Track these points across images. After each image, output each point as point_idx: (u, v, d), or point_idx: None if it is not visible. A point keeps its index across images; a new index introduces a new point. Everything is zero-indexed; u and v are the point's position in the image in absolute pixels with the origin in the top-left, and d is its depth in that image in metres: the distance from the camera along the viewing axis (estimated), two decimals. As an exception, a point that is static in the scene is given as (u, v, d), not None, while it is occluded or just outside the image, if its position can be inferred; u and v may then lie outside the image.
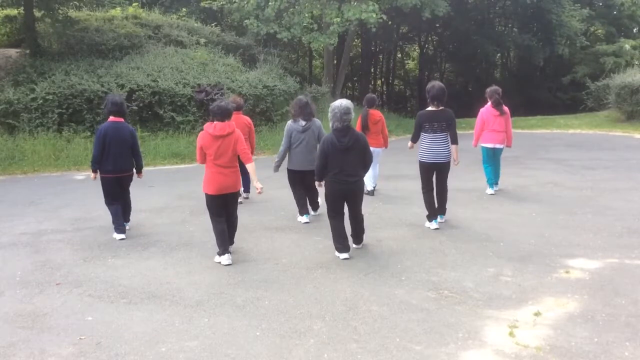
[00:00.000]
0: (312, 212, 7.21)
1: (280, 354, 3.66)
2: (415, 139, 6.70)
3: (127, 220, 6.72)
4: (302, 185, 6.99)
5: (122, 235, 6.32)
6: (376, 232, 6.44)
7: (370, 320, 4.12)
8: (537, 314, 4.16)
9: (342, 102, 5.54)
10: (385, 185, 8.61)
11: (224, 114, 5.39)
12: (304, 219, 6.96)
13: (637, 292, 4.55)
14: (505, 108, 8.07)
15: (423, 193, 6.60)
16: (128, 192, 6.73)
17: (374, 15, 16.44)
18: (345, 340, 3.82)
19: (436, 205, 6.55)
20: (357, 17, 16.60)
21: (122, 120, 6.40)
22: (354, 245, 5.82)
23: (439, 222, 6.52)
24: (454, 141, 6.45)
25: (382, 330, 3.95)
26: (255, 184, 5.55)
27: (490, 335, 3.87)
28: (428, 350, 3.66)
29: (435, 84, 6.59)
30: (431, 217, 6.52)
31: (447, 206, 6.73)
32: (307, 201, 7.09)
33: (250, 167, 5.59)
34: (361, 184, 5.69)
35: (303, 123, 6.87)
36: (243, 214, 7.29)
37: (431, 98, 6.47)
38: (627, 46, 23.34)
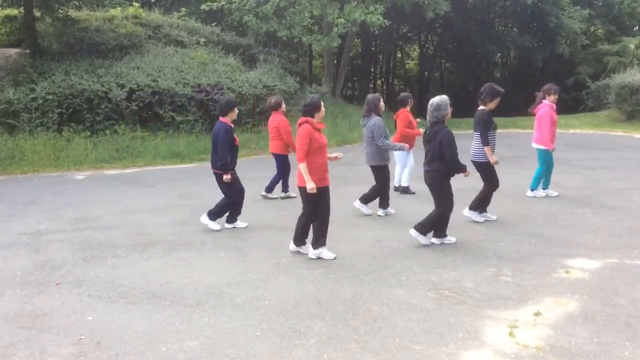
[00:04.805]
0: (379, 210, 7.23)
1: (280, 354, 3.66)
2: None
3: (230, 219, 6.75)
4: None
5: (205, 218, 6.61)
6: (376, 232, 6.45)
7: (370, 320, 4.12)
8: (537, 314, 4.16)
9: (435, 100, 5.82)
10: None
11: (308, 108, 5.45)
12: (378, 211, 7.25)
13: (637, 292, 4.55)
14: (538, 108, 8.11)
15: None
16: (224, 191, 6.58)
17: (380, 18, 16.47)
18: (345, 340, 3.82)
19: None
20: (362, 19, 16.62)
21: (220, 119, 6.47)
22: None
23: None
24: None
25: (382, 330, 3.95)
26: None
27: (490, 335, 3.87)
28: (428, 350, 3.66)
29: None
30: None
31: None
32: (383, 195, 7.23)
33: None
34: (431, 174, 5.79)
35: (362, 119, 7.25)
36: (244, 213, 7.30)
37: None
38: (632, 46, 23.03)
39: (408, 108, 8.25)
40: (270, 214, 7.40)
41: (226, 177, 6.36)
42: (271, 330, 3.99)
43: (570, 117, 20.27)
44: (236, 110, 6.55)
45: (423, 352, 3.65)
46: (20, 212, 7.76)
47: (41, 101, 12.44)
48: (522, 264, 5.25)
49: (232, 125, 6.51)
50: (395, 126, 8.27)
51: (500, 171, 9.98)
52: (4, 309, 4.45)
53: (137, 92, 13.23)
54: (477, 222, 6.74)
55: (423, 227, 5.83)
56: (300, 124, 5.36)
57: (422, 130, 7.77)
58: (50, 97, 12.53)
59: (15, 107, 12.36)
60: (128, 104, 13.06)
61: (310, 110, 5.40)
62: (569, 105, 24.63)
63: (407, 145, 7.39)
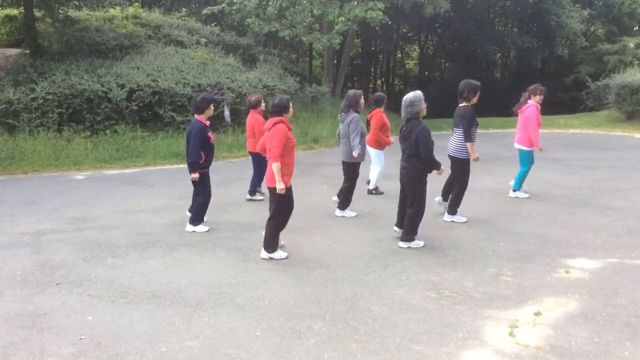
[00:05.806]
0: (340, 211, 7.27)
1: (280, 354, 3.66)
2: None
3: (193, 220, 6.69)
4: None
5: (190, 227, 6.63)
6: (376, 232, 6.45)
7: (370, 320, 4.13)
8: (537, 314, 4.17)
9: (408, 96, 5.75)
10: (385, 185, 8.61)
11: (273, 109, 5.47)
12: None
13: (637, 292, 4.55)
14: (523, 109, 7.89)
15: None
16: (199, 190, 6.55)
17: (381, 14, 16.46)
18: (345, 340, 3.83)
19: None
20: (362, 16, 16.62)
21: (196, 116, 6.44)
22: (395, 228, 6.08)
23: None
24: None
25: (382, 330, 3.96)
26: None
27: (490, 335, 3.87)
28: (428, 350, 3.66)
29: None
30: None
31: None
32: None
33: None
34: (408, 171, 5.74)
35: (340, 114, 7.26)
36: (243, 213, 7.31)
37: None
38: (632, 44, 22.96)
39: (383, 108, 8.17)
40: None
41: (194, 176, 6.34)
42: (271, 330, 4.00)
43: (570, 117, 20.28)
44: (212, 107, 6.51)
45: (423, 351, 3.65)
46: (20, 212, 7.76)
47: (41, 101, 12.43)
48: (522, 264, 5.26)
49: (208, 123, 6.45)
50: (368, 125, 8.15)
51: (499, 171, 10.03)
52: (4, 309, 4.45)
53: (137, 92, 13.22)
54: (461, 222, 6.77)
55: (407, 236, 5.83)
56: (275, 124, 5.36)
57: (392, 140, 7.83)
58: (50, 97, 12.52)
59: (15, 107, 12.34)
60: (128, 104, 13.05)
61: (279, 110, 5.41)
62: (568, 105, 24.63)
63: (363, 158, 7.19)
